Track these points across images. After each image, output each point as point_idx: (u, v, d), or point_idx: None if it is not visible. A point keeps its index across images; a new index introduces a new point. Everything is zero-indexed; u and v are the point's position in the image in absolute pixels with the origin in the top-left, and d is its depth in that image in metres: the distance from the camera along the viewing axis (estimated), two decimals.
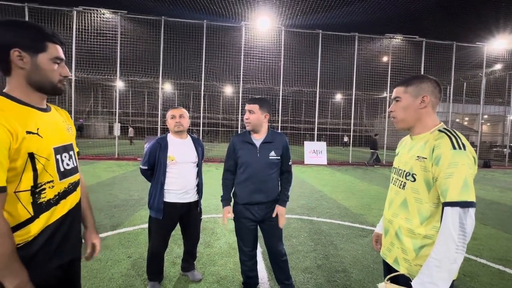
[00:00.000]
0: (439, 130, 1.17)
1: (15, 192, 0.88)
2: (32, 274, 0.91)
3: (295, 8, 12.72)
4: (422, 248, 1.12)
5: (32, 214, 0.93)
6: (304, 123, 21.58)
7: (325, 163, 12.55)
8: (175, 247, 3.12)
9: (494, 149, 17.17)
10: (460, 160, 1.03)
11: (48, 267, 1.00)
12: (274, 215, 2.06)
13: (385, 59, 14.22)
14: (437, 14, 17.23)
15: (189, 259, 2.52)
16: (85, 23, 11.69)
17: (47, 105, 1.07)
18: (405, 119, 1.25)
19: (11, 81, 0.94)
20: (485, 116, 21.55)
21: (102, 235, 3.45)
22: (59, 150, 1.03)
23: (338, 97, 21.66)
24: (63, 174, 1.04)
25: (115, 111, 12.67)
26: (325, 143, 13.23)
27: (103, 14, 11.82)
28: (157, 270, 2.35)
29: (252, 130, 2.04)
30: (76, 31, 11.51)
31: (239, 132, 2.16)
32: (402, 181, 1.24)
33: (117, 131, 12.91)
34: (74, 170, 1.12)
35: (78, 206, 1.16)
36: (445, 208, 1.03)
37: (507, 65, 15.18)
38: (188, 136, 2.42)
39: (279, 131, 13.20)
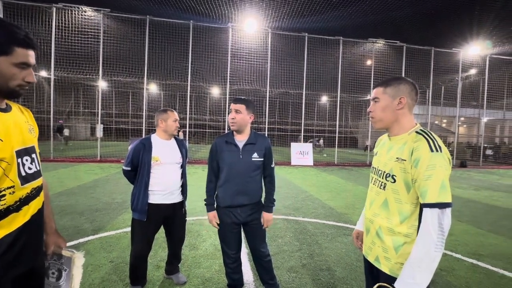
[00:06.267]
0: (417, 132, 1.19)
1: None
2: None
3: (281, 11, 12.87)
4: (401, 246, 1.16)
5: None
6: (290, 124, 21.82)
7: (311, 164, 12.74)
8: (159, 250, 3.06)
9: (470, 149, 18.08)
10: (437, 163, 1.07)
11: (6, 278, 0.92)
12: (262, 224, 2.08)
13: (368, 62, 14.66)
14: (417, 21, 17.97)
15: (173, 262, 2.48)
16: (65, 20, 11.25)
17: (7, 104, 0.99)
18: (383, 119, 1.28)
19: None
20: (462, 118, 22.69)
21: (83, 239, 3.34)
22: (20, 153, 0.96)
23: (324, 99, 22.08)
24: (25, 179, 0.97)
25: (97, 112, 12.27)
26: (311, 144, 13.43)
27: (85, 12, 11.44)
28: (140, 274, 2.30)
29: (237, 130, 2.02)
30: (55, 28, 11.05)
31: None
32: (382, 182, 1.26)
33: (99, 132, 12.51)
34: (37, 174, 1.05)
35: (41, 211, 1.09)
36: (424, 209, 1.07)
37: (480, 70, 16.06)
38: (172, 137, 2.39)
39: (266, 132, 13.34)
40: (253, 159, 2.00)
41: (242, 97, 2.03)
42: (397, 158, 1.19)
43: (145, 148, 2.20)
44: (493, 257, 3.26)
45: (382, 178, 1.27)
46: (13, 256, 0.93)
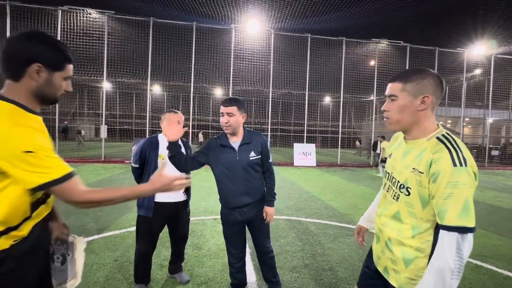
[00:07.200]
0: (438, 138, 1.02)
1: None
2: (24, 273, 0.94)
3: (284, 12, 12.89)
4: (412, 261, 1.05)
5: (29, 214, 0.95)
6: (293, 125, 21.81)
7: (314, 164, 12.72)
8: (163, 249, 3.09)
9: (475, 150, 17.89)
10: (461, 180, 0.91)
11: (36, 265, 1.02)
12: (265, 219, 2.09)
13: (371, 63, 14.61)
14: (420, 21, 17.89)
15: (176, 261, 2.52)
16: (70, 22, 11.41)
17: None
18: (401, 121, 1.09)
19: (17, 87, 0.94)
20: (467, 119, 22.45)
21: (87, 239, 3.38)
22: None
23: (327, 99, 22.04)
24: None
25: (102, 113, 12.40)
26: (314, 145, 13.42)
27: (90, 14, 11.58)
28: (144, 273, 2.33)
29: (232, 133, 1.98)
30: (61, 30, 11.21)
31: None
32: (396, 192, 1.13)
33: (103, 133, 12.62)
34: None
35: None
36: (441, 231, 0.93)
37: (485, 70, 15.91)
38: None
39: (269, 133, 13.36)
40: (250, 158, 1.99)
41: (232, 98, 1.95)
42: (413, 168, 1.04)
43: (152, 146, 2.26)
44: (497, 258, 3.24)
45: (396, 188, 1.12)
46: (38, 245, 1.03)
